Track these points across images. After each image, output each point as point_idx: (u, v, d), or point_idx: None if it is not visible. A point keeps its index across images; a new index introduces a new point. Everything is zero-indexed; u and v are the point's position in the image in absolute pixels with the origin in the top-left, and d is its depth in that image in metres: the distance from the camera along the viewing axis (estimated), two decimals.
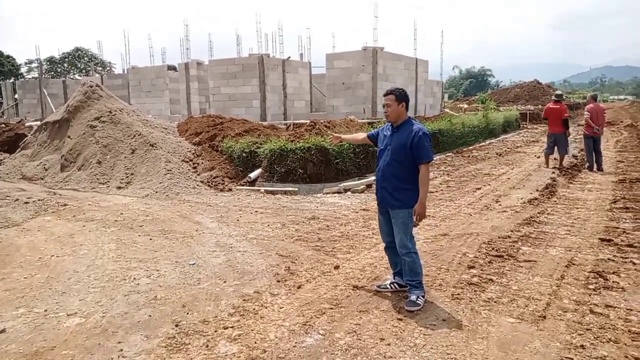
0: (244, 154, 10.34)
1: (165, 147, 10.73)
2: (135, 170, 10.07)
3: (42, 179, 10.53)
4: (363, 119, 13.58)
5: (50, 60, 55.14)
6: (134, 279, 4.54)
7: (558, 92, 12.46)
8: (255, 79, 16.15)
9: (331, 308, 3.83)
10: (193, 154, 10.85)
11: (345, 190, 9.08)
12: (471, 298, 3.94)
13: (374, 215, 7.02)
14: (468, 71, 78.89)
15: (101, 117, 11.36)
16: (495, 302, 3.85)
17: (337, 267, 4.80)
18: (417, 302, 3.80)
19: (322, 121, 11.76)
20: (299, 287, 4.30)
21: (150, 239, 5.92)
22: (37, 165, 10.97)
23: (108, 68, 55.08)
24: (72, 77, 47.35)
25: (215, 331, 3.46)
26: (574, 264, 4.66)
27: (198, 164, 10.45)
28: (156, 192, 8.94)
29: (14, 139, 15.05)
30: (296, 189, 9.23)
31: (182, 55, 23.01)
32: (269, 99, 16.35)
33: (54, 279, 4.54)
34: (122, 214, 7.35)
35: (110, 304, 3.95)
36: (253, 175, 9.91)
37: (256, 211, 7.47)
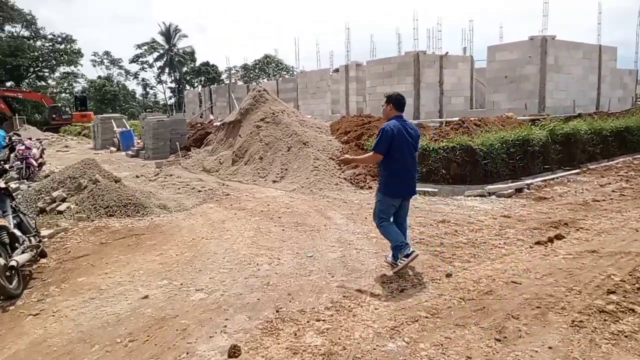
0: None
1: (316, 145, 11.45)
2: (289, 166, 11.01)
3: (217, 171, 12.30)
4: (524, 116, 12.30)
5: (244, 67, 62.77)
6: (257, 264, 5.05)
7: None
8: (410, 76, 15.97)
9: (426, 317, 3.69)
10: (340, 151, 11.34)
11: (490, 194, 8.41)
12: (596, 328, 3.35)
13: (513, 223, 6.42)
14: None
15: (265, 118, 12.70)
16: (626, 336, 3.21)
17: (448, 276, 4.56)
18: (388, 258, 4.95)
19: (472, 119, 11.06)
20: (401, 291, 4.24)
21: (283, 230, 6.46)
22: (215, 160, 12.84)
23: (291, 72, 60.60)
24: (260, 81, 53.39)
25: (308, 322, 3.67)
26: None
27: None
28: (302, 186, 9.64)
29: (204, 136, 17.84)
30: (436, 190, 8.92)
31: (345, 57, 24.20)
32: (423, 96, 16.00)
33: (197, 258, 5.35)
34: (268, 205, 8.16)
35: (231, 284, 4.50)
36: None
37: None
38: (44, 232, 6.52)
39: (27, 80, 57.35)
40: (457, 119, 11.74)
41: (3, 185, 5.18)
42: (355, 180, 10.03)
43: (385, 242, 5.69)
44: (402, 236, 4.72)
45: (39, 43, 58.97)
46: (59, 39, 59.87)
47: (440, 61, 16.52)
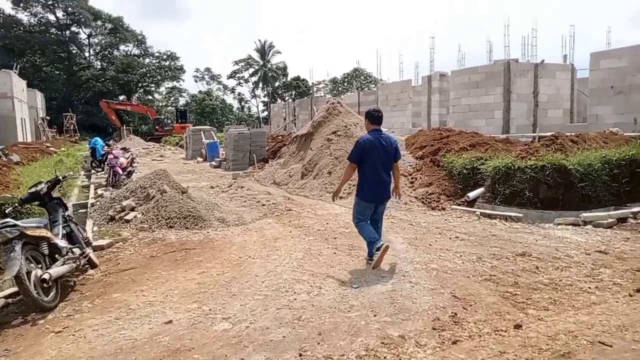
0: (465, 171, 9.46)
1: None
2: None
3: (286, 184, 12.14)
4: (633, 132, 10.57)
5: (333, 81, 63.60)
6: (295, 292, 4.58)
7: None
8: (500, 87, 14.66)
9: None
10: (413, 168, 10.58)
11: (585, 223, 7.17)
12: None
13: (611, 261, 5.31)
14: None
15: (337, 131, 12.32)
16: None
17: (518, 327, 3.72)
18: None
19: (569, 134, 9.69)
20: (454, 343, 3.50)
21: (335, 253, 5.94)
22: (285, 173, 12.71)
23: (380, 84, 59.96)
24: (344, 95, 53.48)
25: None
26: None
27: (416, 178, 10.12)
28: None
29: (281, 148, 17.95)
30: (520, 215, 7.85)
31: (429, 67, 23.15)
32: (514, 108, 14.58)
33: (236, 280, 5.01)
34: (327, 223, 7.69)
35: (260, 315, 4.07)
36: (472, 194, 8.94)
37: (457, 237, 6.63)
38: (103, 241, 6.67)
39: (136, 95, 63.21)
40: (550, 134, 10.40)
41: (56, 195, 5.30)
42: (428, 200, 9.23)
43: (445, 276, 4.98)
44: (375, 234, 5.29)
45: (147, 60, 64.95)
46: (164, 56, 65.48)
47: (535, 70, 15.01)
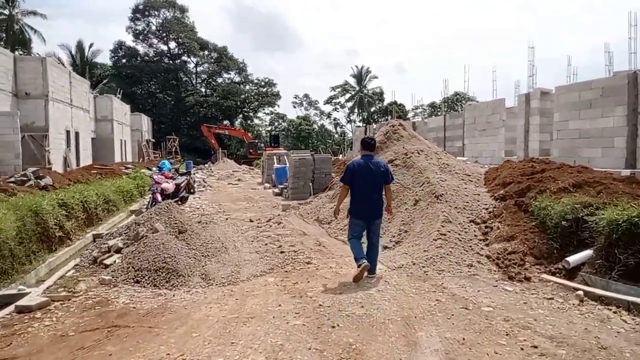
0: (564, 222, 6.50)
1: (453, 200, 8.15)
2: (411, 227, 7.98)
3: (328, 223, 9.94)
4: None
5: (431, 105, 60.57)
6: None
7: None
8: (622, 107, 11.07)
9: None
10: (489, 212, 7.78)
11: None
12: None
13: None
14: None
15: (395, 159, 9.94)
16: None
17: None
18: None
19: None
20: None
21: None
22: (331, 208, 10.53)
23: (467, 104, 55.16)
24: (433, 117, 49.77)
25: None
26: None
27: (492, 228, 7.32)
28: (414, 263, 6.51)
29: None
30: None
31: (529, 84, 19.51)
32: None
33: None
34: (341, 293, 5.37)
35: None
36: (573, 260, 5.99)
37: (535, 346, 3.91)
38: (35, 300, 5.12)
39: (238, 120, 65.76)
40: None
41: None
42: (505, 262, 6.44)
43: None
44: (362, 252, 5.82)
45: (247, 87, 67.44)
46: (262, 83, 67.49)
47: None
